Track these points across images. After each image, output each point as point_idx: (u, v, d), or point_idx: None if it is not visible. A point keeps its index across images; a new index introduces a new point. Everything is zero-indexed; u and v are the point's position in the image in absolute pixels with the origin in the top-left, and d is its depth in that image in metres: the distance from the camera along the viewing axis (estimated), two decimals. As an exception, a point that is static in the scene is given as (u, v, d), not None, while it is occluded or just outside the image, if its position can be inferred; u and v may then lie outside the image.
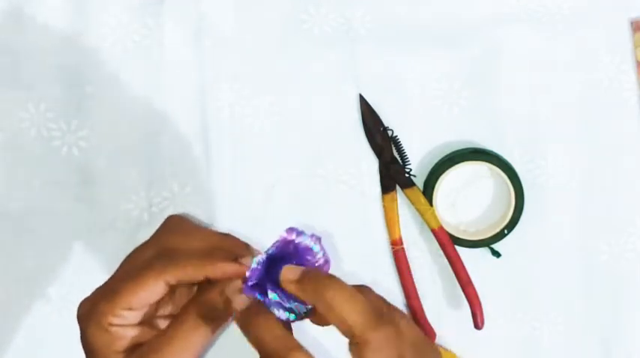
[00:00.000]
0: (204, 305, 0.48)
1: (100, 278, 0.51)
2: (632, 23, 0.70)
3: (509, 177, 0.67)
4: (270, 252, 0.48)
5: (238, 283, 0.48)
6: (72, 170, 0.68)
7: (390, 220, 0.68)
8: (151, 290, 0.48)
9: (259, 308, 0.47)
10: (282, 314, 0.47)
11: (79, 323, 0.49)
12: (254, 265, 0.48)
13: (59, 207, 0.68)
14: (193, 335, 0.48)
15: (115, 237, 0.67)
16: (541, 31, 0.70)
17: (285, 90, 0.69)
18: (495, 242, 0.69)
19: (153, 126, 0.68)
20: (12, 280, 0.68)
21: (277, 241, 0.48)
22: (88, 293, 0.51)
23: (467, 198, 0.70)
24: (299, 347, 0.45)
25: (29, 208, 0.67)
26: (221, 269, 0.49)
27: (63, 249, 0.68)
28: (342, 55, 0.69)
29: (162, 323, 0.52)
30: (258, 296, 0.47)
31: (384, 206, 0.69)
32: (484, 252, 0.69)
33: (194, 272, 0.49)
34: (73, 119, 0.67)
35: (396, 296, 0.69)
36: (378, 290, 0.50)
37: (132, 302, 0.48)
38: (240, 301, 0.48)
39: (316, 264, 0.49)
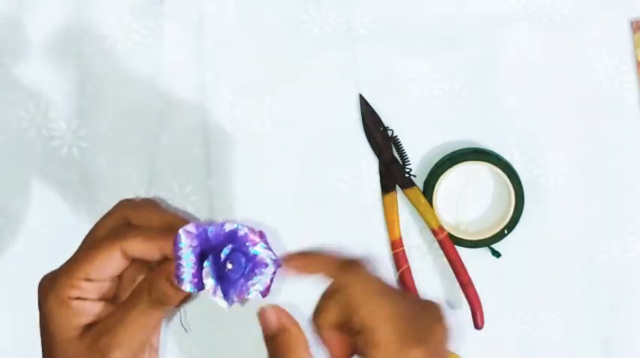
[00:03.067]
0: (154, 290, 0.46)
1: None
2: (632, 23, 0.70)
3: (509, 177, 0.67)
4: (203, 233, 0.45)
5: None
6: (72, 170, 0.68)
7: (390, 220, 0.68)
8: (108, 260, 0.47)
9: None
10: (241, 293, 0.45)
11: (38, 298, 0.47)
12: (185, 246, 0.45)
13: (59, 207, 0.68)
14: (144, 318, 0.46)
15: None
16: (541, 31, 0.70)
17: (285, 90, 0.69)
18: (495, 242, 0.69)
19: (153, 126, 0.68)
20: (12, 280, 0.68)
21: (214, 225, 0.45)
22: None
23: (467, 198, 0.70)
24: None
25: (29, 208, 0.67)
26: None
27: (63, 249, 0.68)
28: (342, 55, 0.69)
29: None
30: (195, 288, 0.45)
31: (384, 206, 0.69)
32: (484, 252, 0.69)
33: (150, 246, 0.47)
34: (73, 119, 0.67)
35: (396, 296, 0.69)
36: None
37: (89, 271, 0.46)
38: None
39: (266, 264, 0.46)
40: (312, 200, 0.69)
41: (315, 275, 0.48)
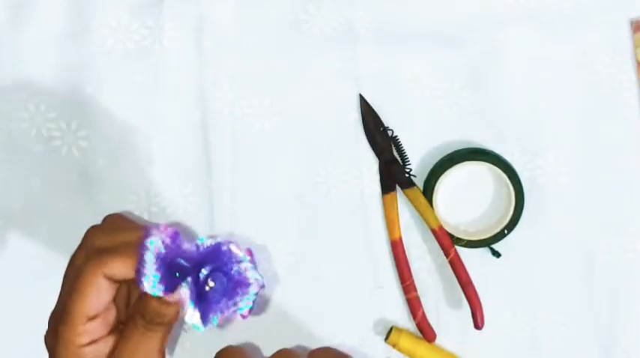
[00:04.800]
0: (147, 311, 0.46)
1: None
2: (632, 23, 0.70)
3: (509, 177, 0.67)
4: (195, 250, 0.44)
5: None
6: (72, 170, 0.68)
7: (390, 220, 0.68)
8: (96, 290, 0.46)
9: None
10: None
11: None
12: (150, 256, 0.44)
13: (59, 207, 0.68)
14: (145, 344, 0.46)
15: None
16: (541, 31, 0.70)
17: (285, 90, 0.69)
18: (495, 242, 0.69)
19: (153, 126, 0.68)
20: (12, 280, 0.68)
21: (207, 246, 0.44)
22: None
23: (467, 198, 0.70)
24: None
25: (29, 208, 0.68)
26: None
27: (63, 249, 0.68)
28: (342, 55, 0.69)
29: None
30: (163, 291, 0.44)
31: (384, 206, 0.69)
32: (484, 252, 0.69)
33: (129, 264, 0.46)
34: (73, 119, 0.67)
35: (396, 297, 0.69)
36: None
37: (85, 309, 0.46)
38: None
39: (249, 284, 0.45)
40: (312, 200, 0.69)
41: None
